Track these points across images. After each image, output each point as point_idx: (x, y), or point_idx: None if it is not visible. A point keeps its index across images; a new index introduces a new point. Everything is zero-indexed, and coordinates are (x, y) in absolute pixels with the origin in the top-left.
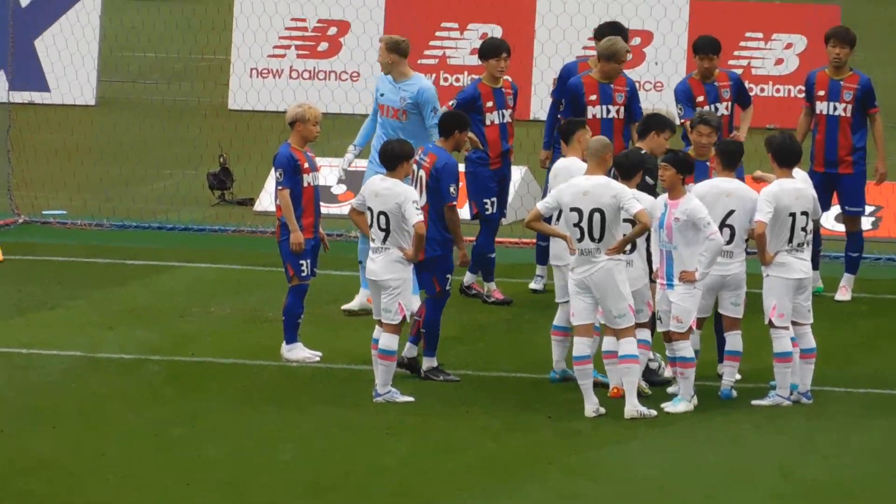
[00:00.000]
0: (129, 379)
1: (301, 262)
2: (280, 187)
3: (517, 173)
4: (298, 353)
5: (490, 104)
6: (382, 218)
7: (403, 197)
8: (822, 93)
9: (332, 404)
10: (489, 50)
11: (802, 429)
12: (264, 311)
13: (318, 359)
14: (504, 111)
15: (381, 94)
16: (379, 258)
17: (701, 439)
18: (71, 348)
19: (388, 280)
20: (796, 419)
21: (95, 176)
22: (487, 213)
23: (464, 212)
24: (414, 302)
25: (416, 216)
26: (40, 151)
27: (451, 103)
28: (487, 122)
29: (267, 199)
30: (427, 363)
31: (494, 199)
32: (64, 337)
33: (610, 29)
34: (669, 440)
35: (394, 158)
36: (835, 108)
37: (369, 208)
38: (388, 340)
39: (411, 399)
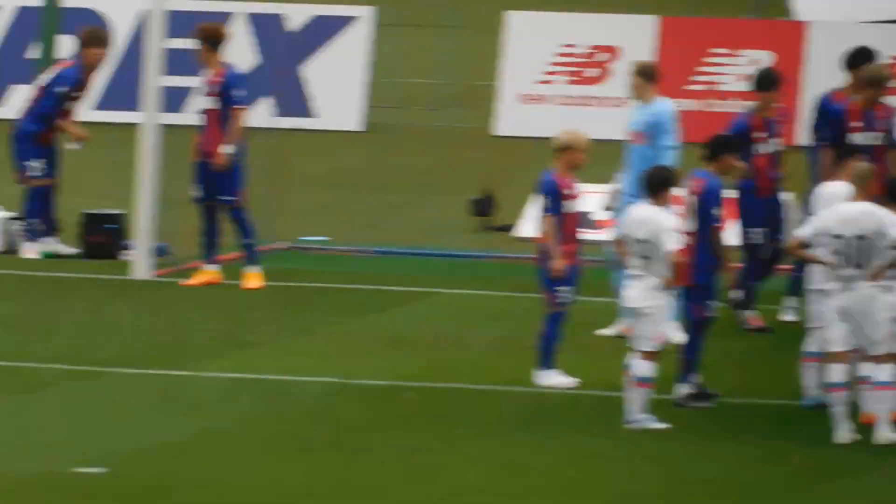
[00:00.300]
0: (382, 406)
1: (561, 288)
2: (545, 214)
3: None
4: (553, 378)
5: (761, 134)
6: (641, 245)
7: (663, 225)
8: None
9: (584, 432)
10: (765, 82)
11: None
12: (521, 337)
13: (573, 385)
14: (774, 139)
15: (631, 120)
16: (637, 285)
17: None
18: (326, 374)
19: (645, 307)
20: None
21: (360, 202)
22: (752, 242)
23: (733, 239)
24: (671, 330)
25: (674, 244)
26: (305, 177)
27: None
28: (758, 152)
29: (527, 225)
30: (683, 389)
31: (761, 229)
32: (319, 363)
33: (862, 55)
34: None
35: (657, 185)
36: None
37: (629, 235)
38: (642, 367)
39: (663, 426)
